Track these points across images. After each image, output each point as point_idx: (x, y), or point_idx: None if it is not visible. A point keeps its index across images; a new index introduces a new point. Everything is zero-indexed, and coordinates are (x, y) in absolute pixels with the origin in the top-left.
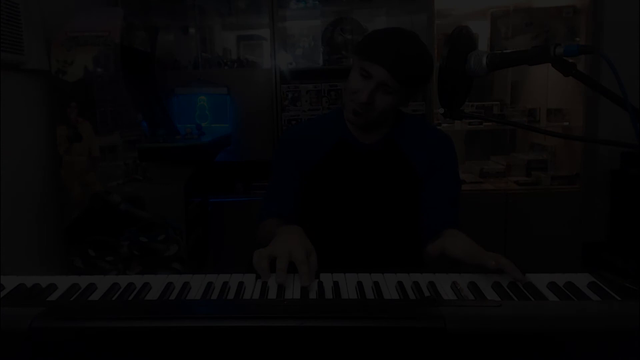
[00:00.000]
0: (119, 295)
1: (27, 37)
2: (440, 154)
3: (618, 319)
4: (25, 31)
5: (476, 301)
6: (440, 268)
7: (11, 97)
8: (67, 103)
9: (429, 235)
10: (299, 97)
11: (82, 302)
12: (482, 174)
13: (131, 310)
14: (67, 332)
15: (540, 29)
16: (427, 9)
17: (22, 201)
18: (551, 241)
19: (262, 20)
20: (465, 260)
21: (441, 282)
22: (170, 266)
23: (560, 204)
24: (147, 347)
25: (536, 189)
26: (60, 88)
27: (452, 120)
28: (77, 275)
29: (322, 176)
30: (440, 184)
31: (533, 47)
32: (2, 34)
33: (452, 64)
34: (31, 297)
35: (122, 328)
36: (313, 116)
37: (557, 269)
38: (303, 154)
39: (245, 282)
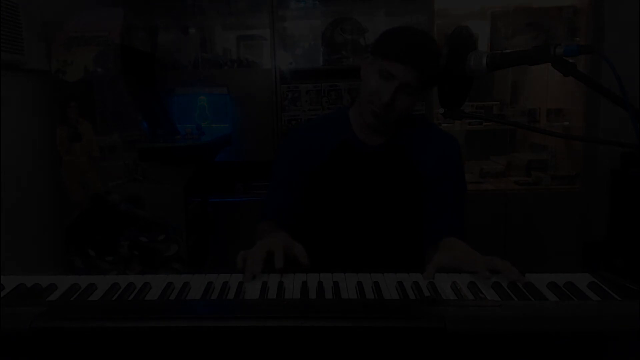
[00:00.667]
0: (119, 296)
1: (27, 37)
2: (445, 157)
3: (618, 319)
4: (25, 31)
5: (476, 301)
6: (440, 269)
7: (11, 97)
8: (67, 103)
9: (431, 240)
10: (299, 97)
11: (82, 302)
12: (482, 174)
13: (131, 310)
14: (67, 332)
15: (540, 29)
16: (427, 9)
17: (22, 201)
18: (551, 241)
19: (262, 20)
20: (460, 270)
21: (441, 282)
22: (170, 266)
23: (560, 204)
24: (147, 347)
25: (536, 189)
26: (60, 88)
27: (452, 120)
28: (77, 275)
29: (325, 178)
30: (444, 189)
31: (533, 47)
32: (2, 34)
33: (452, 64)
34: (31, 297)
35: (122, 328)
36: (313, 116)
37: (557, 269)
38: (306, 156)
39: (245, 282)
